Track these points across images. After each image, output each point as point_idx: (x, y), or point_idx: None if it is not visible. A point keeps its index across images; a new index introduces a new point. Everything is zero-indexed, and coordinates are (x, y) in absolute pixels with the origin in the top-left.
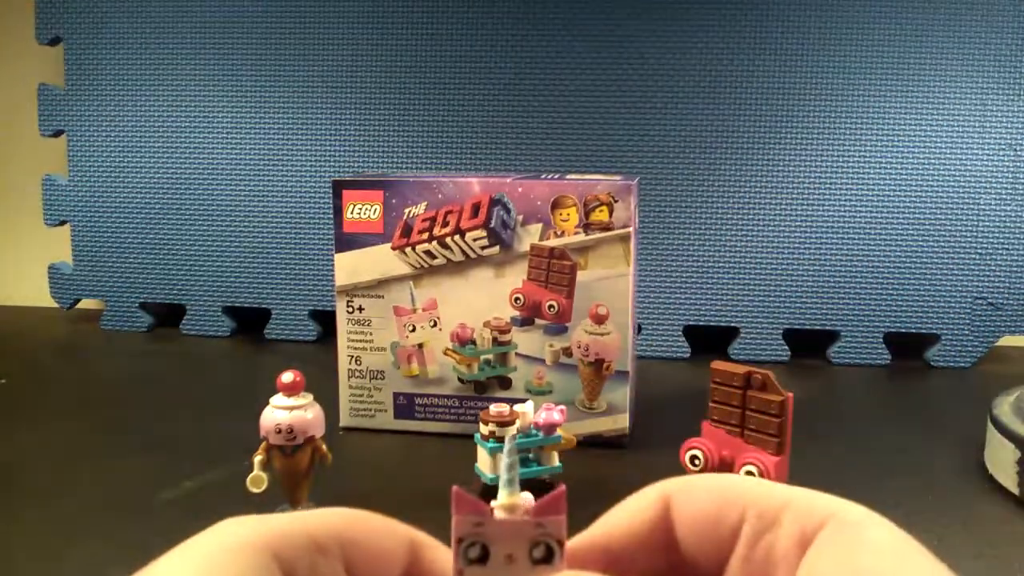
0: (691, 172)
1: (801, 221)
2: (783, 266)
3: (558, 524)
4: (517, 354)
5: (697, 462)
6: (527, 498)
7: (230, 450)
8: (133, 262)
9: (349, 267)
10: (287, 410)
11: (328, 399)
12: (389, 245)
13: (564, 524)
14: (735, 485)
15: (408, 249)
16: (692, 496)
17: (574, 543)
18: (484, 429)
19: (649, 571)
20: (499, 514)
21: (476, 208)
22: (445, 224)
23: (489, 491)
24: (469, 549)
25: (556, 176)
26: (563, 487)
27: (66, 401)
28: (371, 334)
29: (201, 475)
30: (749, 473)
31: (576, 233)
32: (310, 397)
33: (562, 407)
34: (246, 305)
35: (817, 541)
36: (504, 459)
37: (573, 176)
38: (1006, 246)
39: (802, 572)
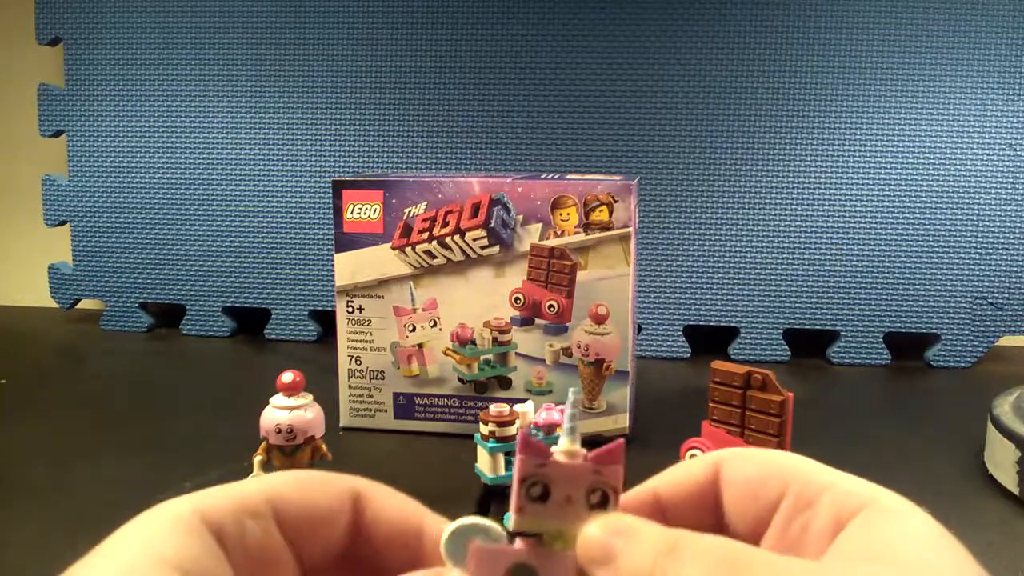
0: (691, 172)
1: (801, 221)
2: (783, 266)
3: (615, 473)
4: (517, 354)
5: None
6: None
7: (230, 450)
8: (133, 262)
9: (349, 267)
10: (287, 410)
11: (328, 399)
12: (389, 245)
13: (621, 474)
14: (782, 461)
15: (408, 249)
16: (741, 465)
17: (627, 495)
18: (484, 429)
19: (696, 529)
20: (561, 459)
21: (476, 208)
22: (445, 224)
23: (490, 492)
24: (531, 488)
25: (556, 176)
26: (622, 440)
27: (66, 401)
28: (371, 334)
29: (201, 475)
30: None
31: (576, 233)
32: (310, 397)
33: (562, 407)
34: (246, 305)
35: (851, 524)
36: (567, 409)
37: (573, 176)
38: (1006, 246)
39: (832, 551)
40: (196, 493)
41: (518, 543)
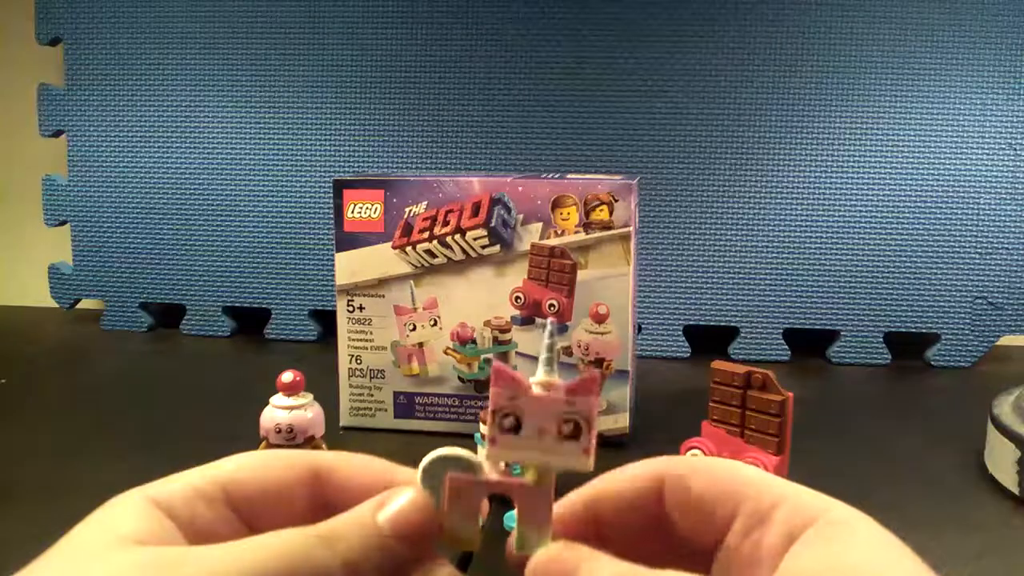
0: (691, 172)
1: (801, 221)
2: (783, 266)
3: (588, 404)
4: (517, 353)
5: None
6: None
7: (230, 450)
8: (133, 262)
9: (350, 266)
10: (287, 410)
11: (328, 399)
12: (390, 244)
13: (594, 405)
14: (733, 476)
15: (409, 248)
16: (690, 481)
17: (559, 504)
18: (484, 428)
19: (638, 538)
20: (536, 391)
21: (477, 207)
22: (446, 223)
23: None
24: (504, 420)
25: (556, 175)
26: (596, 373)
27: (66, 401)
28: (371, 333)
29: None
30: None
31: (576, 232)
32: (310, 397)
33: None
34: (246, 305)
35: (803, 537)
36: (544, 340)
37: (573, 175)
38: (1006, 246)
39: (784, 565)
40: (148, 483)
41: (493, 473)
